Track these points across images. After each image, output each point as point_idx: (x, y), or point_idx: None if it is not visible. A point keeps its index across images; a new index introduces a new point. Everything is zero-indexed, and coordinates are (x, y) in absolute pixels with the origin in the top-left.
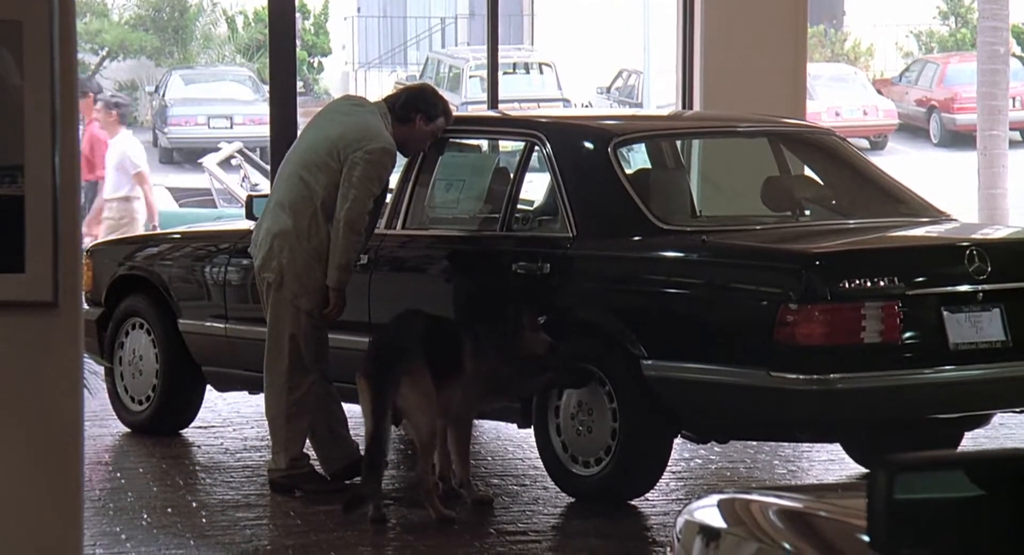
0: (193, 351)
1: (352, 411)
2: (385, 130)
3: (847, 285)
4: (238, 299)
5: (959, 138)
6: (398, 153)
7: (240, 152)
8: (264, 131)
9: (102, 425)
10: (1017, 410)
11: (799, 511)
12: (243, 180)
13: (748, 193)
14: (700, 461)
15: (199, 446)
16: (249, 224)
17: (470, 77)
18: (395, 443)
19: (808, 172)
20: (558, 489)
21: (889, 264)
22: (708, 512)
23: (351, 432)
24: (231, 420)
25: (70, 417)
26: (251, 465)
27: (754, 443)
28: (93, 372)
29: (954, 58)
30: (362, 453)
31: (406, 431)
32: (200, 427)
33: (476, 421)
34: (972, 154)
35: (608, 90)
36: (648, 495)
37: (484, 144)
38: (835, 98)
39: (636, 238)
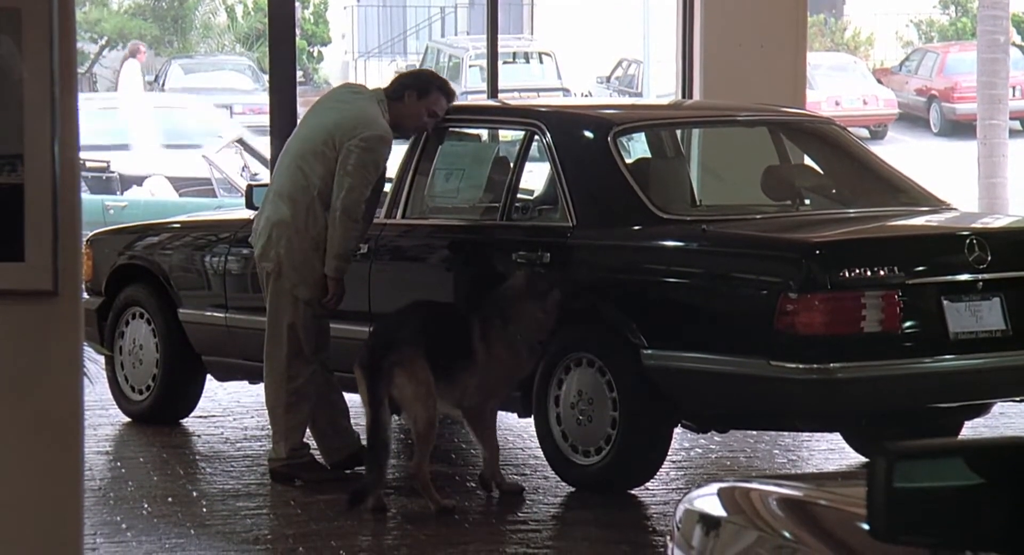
0: (193, 341)
1: (354, 401)
2: (381, 117)
3: (847, 274)
4: (238, 288)
5: (959, 127)
6: (398, 135)
7: (240, 141)
8: (264, 120)
9: (102, 414)
10: (1017, 399)
11: (799, 500)
12: (243, 169)
13: (748, 182)
14: (700, 451)
15: (199, 436)
16: (249, 213)
17: (470, 66)
18: (395, 432)
19: (808, 161)
20: (558, 478)
21: (889, 253)
22: (708, 501)
23: (352, 423)
24: (231, 410)
25: (70, 406)
26: (251, 454)
27: (754, 433)
28: (93, 361)
29: (954, 47)
30: (363, 444)
31: (405, 421)
32: (200, 417)
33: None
34: (972, 143)
35: (608, 79)
36: (648, 485)
37: (484, 133)
38: (835, 87)
39: (636, 227)
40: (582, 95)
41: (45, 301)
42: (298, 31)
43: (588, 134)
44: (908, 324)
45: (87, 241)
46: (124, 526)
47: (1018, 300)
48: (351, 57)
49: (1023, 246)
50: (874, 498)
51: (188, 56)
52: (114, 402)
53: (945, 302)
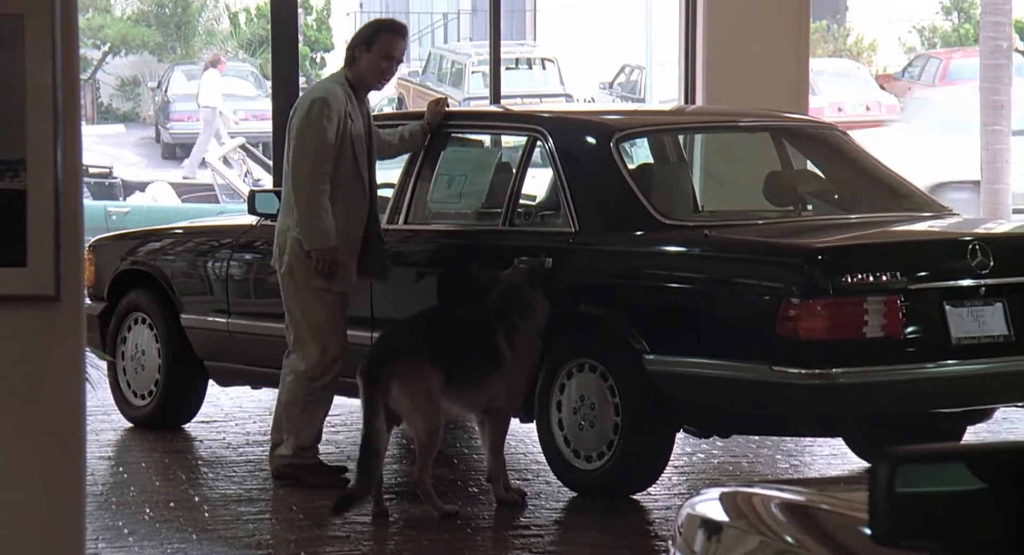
0: (195, 346)
1: (348, 406)
2: (321, 85)
3: (849, 280)
4: (240, 294)
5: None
6: (371, 89)
7: (243, 147)
8: (267, 126)
9: (105, 420)
10: (1020, 404)
11: (801, 504)
12: (245, 175)
13: (751, 188)
14: (702, 455)
15: (201, 441)
16: (251, 219)
17: (472, 73)
18: (398, 438)
19: (810, 166)
20: (560, 484)
21: (891, 259)
22: (710, 505)
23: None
24: (233, 415)
25: (72, 410)
26: (253, 459)
27: (756, 438)
28: (95, 366)
29: (957, 53)
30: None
31: (404, 434)
32: (202, 422)
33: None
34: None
35: (611, 85)
36: (650, 489)
37: (487, 139)
38: (838, 93)
39: (638, 233)
40: (585, 101)
41: (47, 306)
42: (301, 38)
43: (591, 140)
44: (910, 329)
45: (89, 247)
46: (126, 531)
47: (1021, 305)
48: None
49: None
50: (876, 503)
51: (191, 62)
52: (116, 407)
53: (947, 307)
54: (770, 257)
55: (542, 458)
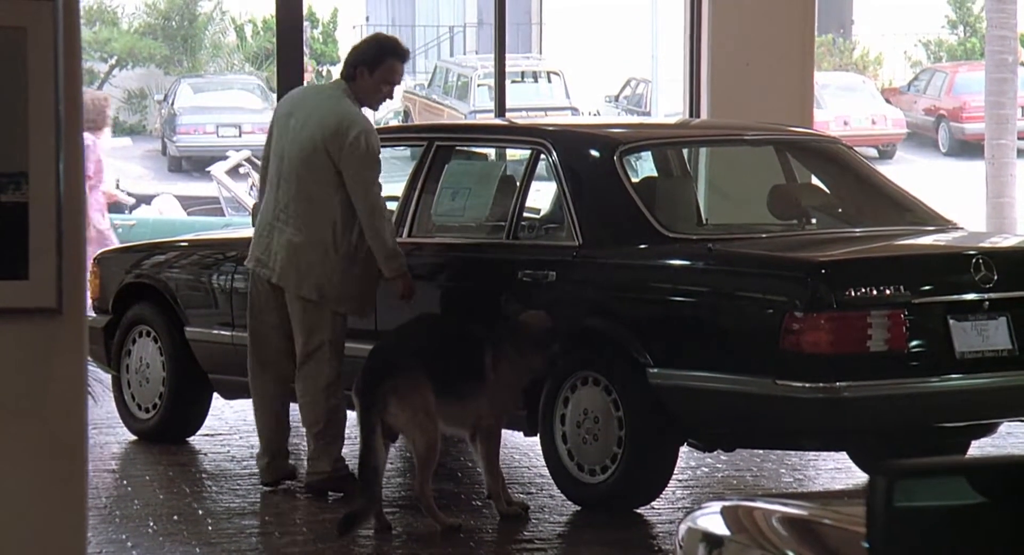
0: (200, 359)
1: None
2: (355, 108)
3: (853, 293)
4: (245, 307)
5: (967, 147)
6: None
7: (248, 160)
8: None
9: (109, 433)
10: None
11: (803, 518)
12: (251, 188)
13: (755, 201)
14: (707, 469)
15: (206, 454)
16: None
17: (478, 85)
18: (402, 451)
19: (814, 180)
20: (564, 497)
21: (895, 272)
22: (711, 519)
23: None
24: (238, 428)
25: (74, 423)
26: (257, 473)
27: (761, 451)
28: (98, 380)
29: (963, 67)
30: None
31: (406, 447)
32: (207, 435)
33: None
34: (980, 163)
35: (616, 99)
36: (654, 503)
37: (490, 152)
38: (843, 107)
39: (642, 246)
40: (590, 114)
41: (49, 319)
42: (307, 51)
43: (594, 153)
44: (914, 343)
45: (94, 259)
46: (129, 544)
47: None
48: None
49: None
50: (874, 517)
51: (198, 75)
52: (120, 420)
53: (951, 321)
54: (774, 271)
55: (546, 471)
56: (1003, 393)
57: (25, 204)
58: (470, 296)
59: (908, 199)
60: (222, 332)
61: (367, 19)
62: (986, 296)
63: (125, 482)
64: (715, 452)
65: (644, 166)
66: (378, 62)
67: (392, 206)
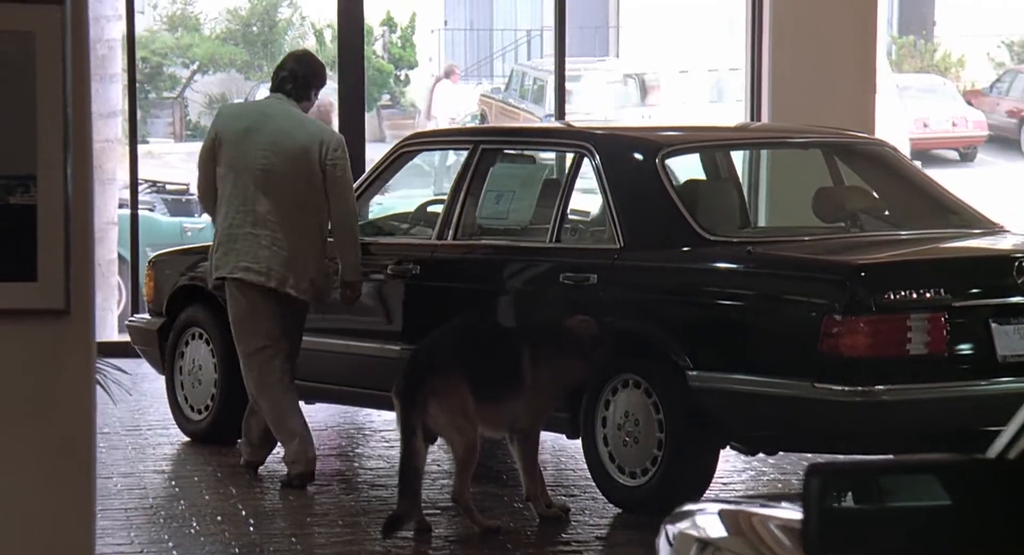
0: None
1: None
2: (321, 123)
3: (892, 296)
4: None
5: None
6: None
7: None
8: None
9: (163, 434)
10: None
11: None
12: None
13: (803, 204)
14: (752, 473)
15: None
16: None
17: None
18: (441, 449)
19: (861, 183)
20: (605, 500)
21: (935, 275)
22: (706, 521)
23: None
24: None
25: (82, 425)
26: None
27: (809, 455)
28: (117, 381)
29: None
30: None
31: (445, 449)
32: None
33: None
34: None
35: None
36: None
37: (536, 155)
38: (924, 109)
39: (682, 249)
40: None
41: (57, 321)
42: (385, 55)
43: (636, 156)
44: (955, 347)
45: (149, 262)
46: (171, 544)
47: None
48: (438, 80)
49: None
50: (807, 516)
51: None
52: (174, 422)
53: (993, 325)
54: (812, 273)
55: (588, 474)
56: None
57: (33, 206)
58: (515, 298)
59: (954, 202)
60: None
61: (445, 23)
62: None
63: (173, 483)
64: (759, 455)
65: (694, 169)
66: (323, 83)
67: (438, 209)
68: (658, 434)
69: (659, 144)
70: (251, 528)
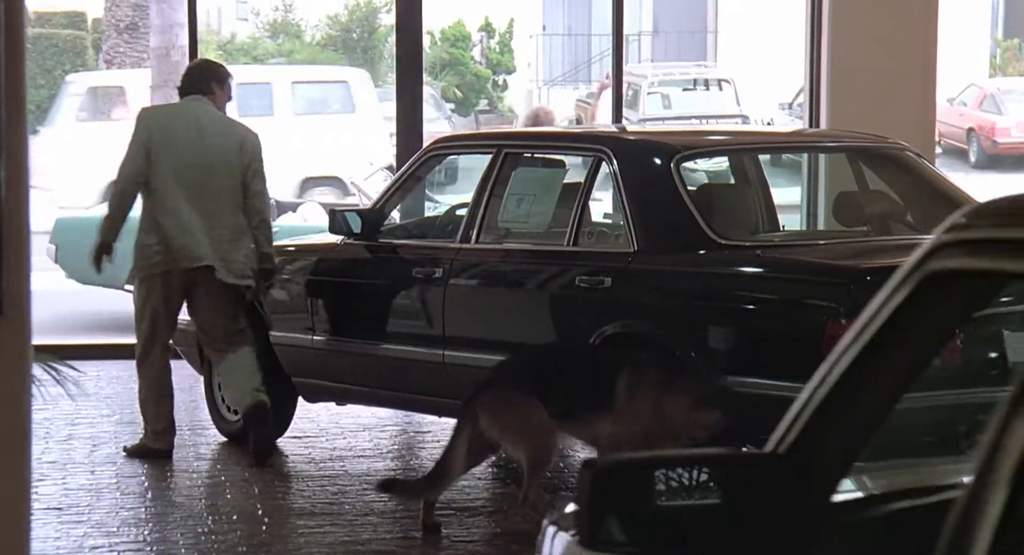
0: (283, 362)
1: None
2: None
3: None
4: (323, 312)
5: None
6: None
7: (388, 168)
8: None
9: (202, 434)
10: None
11: None
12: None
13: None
14: None
15: (287, 455)
16: (335, 238)
17: (649, 94)
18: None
19: (885, 188)
20: None
21: None
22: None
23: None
24: (327, 430)
25: (17, 426)
26: (330, 475)
27: None
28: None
29: None
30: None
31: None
32: (294, 436)
33: None
34: None
35: (790, 106)
36: None
37: (557, 159)
38: None
39: (694, 253)
40: (763, 122)
41: None
42: (483, 61)
43: (653, 160)
44: (964, 353)
45: None
46: (180, 543)
47: None
48: (536, 85)
49: None
50: (580, 510)
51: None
52: (212, 423)
53: (1005, 332)
54: (818, 277)
55: None
56: None
57: None
58: (534, 302)
59: None
60: (303, 336)
61: (544, 28)
62: None
63: (200, 483)
64: None
65: (719, 174)
66: (223, 79)
67: (462, 212)
68: None
69: (675, 148)
70: (263, 527)
